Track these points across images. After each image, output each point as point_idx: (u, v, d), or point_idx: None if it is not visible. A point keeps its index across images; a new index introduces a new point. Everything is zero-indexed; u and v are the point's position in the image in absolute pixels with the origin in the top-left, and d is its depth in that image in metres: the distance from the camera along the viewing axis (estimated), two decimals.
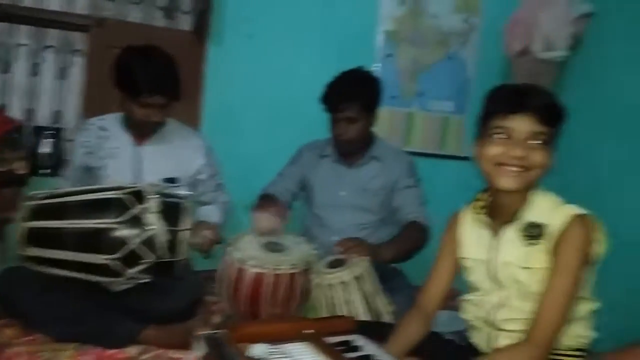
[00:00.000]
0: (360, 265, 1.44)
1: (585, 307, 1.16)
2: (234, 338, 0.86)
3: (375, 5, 2.28)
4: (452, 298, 1.38)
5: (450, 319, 1.46)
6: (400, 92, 2.35)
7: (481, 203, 1.24)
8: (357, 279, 1.40)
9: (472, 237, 1.25)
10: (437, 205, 1.75)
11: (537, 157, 1.10)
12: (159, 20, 2.26)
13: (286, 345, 0.91)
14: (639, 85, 1.82)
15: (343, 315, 1.30)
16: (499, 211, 1.20)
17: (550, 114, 1.10)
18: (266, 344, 0.86)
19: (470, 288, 1.29)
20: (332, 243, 1.84)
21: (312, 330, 0.97)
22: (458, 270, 1.30)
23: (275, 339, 0.94)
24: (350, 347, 0.98)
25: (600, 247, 1.13)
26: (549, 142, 1.11)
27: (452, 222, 1.32)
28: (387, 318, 1.46)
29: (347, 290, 1.40)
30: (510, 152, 1.09)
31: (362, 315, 1.41)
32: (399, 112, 2.36)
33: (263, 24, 2.22)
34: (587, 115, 2.06)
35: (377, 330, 1.26)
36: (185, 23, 2.25)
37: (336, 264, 1.48)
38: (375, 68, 2.30)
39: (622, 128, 1.90)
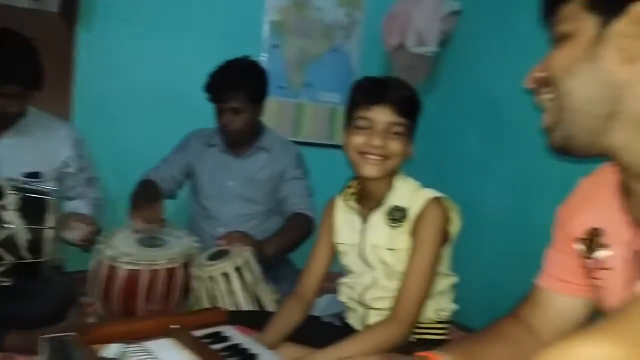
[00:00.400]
0: (242, 255, 1.44)
1: (445, 283, 1.26)
2: (86, 340, 0.82)
3: None
4: (332, 281, 1.43)
5: (331, 302, 1.51)
6: (288, 83, 2.37)
7: (351, 190, 1.29)
8: (239, 269, 1.40)
9: (344, 223, 1.31)
10: (328, 194, 1.79)
11: (395, 146, 1.16)
12: (22, 1, 2.06)
13: (147, 342, 0.89)
14: (502, 80, 1.98)
15: (215, 307, 1.29)
16: (367, 197, 1.26)
17: (408, 107, 1.17)
18: (123, 344, 0.83)
19: (345, 272, 1.34)
20: (218, 235, 1.82)
21: (179, 326, 0.96)
22: (335, 255, 1.35)
23: (138, 338, 0.91)
24: (219, 338, 0.98)
25: (454, 226, 1.24)
26: (407, 133, 1.19)
27: (327, 209, 1.37)
28: (271, 307, 1.47)
29: (229, 282, 1.39)
30: (371, 141, 1.15)
31: (245, 305, 1.41)
32: (287, 103, 2.38)
33: (140, 8, 2.11)
34: (457, 107, 2.22)
35: (258, 320, 1.27)
36: (52, 4, 2.07)
37: (218, 256, 1.46)
38: (263, 58, 2.29)
39: (487, 119, 2.06)
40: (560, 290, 0.84)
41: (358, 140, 1.17)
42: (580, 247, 0.78)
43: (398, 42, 2.12)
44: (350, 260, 1.29)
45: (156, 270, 1.37)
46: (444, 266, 1.24)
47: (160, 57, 2.14)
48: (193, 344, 0.92)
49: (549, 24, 0.72)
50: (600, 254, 0.74)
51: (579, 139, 0.67)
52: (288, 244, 1.73)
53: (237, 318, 1.18)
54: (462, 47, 2.16)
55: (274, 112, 2.36)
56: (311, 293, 1.31)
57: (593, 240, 0.76)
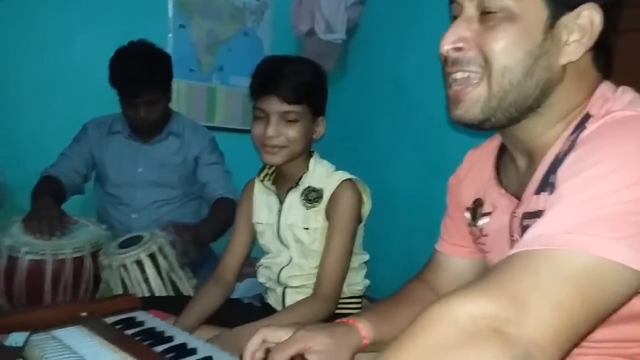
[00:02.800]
0: (156, 241, 1.40)
1: (357, 260, 1.32)
2: None
3: None
4: (254, 266, 1.43)
5: (252, 286, 1.53)
6: (198, 65, 2.32)
7: (266, 171, 1.31)
8: (152, 256, 1.37)
9: (262, 203, 1.33)
10: (245, 179, 1.79)
11: (291, 133, 1.18)
12: None
13: (55, 331, 0.85)
14: (407, 66, 2.09)
15: (126, 294, 1.26)
16: (283, 178, 1.29)
17: (299, 93, 1.17)
18: (26, 332, 0.79)
19: (263, 252, 1.36)
20: (132, 221, 1.81)
21: (86, 313, 0.93)
22: (255, 237, 1.36)
23: (44, 326, 0.87)
24: (132, 323, 0.96)
25: (366, 207, 1.30)
26: (304, 117, 1.20)
27: (245, 191, 1.38)
28: (188, 292, 1.46)
29: (143, 269, 1.36)
30: (266, 132, 1.17)
31: (160, 292, 1.38)
32: (199, 87, 2.33)
33: None
34: (366, 92, 2.31)
35: (174, 304, 1.25)
36: None
37: (130, 243, 1.41)
38: (168, 40, 2.21)
39: (394, 104, 2.17)
40: (454, 254, 0.92)
41: (256, 130, 1.20)
42: (467, 215, 0.86)
43: (307, 28, 2.15)
44: (267, 239, 1.32)
45: (62, 260, 1.30)
46: (357, 245, 1.30)
47: (58, 38, 1.99)
48: (105, 330, 0.89)
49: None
50: (482, 221, 0.81)
51: (496, 123, 0.69)
52: (220, 228, 1.70)
53: (151, 303, 1.16)
54: (368, 34, 2.24)
55: (185, 95, 2.31)
56: (231, 275, 1.31)
57: (476, 209, 0.83)
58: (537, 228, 0.54)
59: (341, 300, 1.29)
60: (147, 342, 0.87)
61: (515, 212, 0.74)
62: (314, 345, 0.75)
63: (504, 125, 0.70)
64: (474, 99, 0.68)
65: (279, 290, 1.30)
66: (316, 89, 1.25)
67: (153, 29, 1.91)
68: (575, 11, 0.65)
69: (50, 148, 1.81)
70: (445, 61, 0.71)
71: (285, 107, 1.17)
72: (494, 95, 0.67)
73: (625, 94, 0.66)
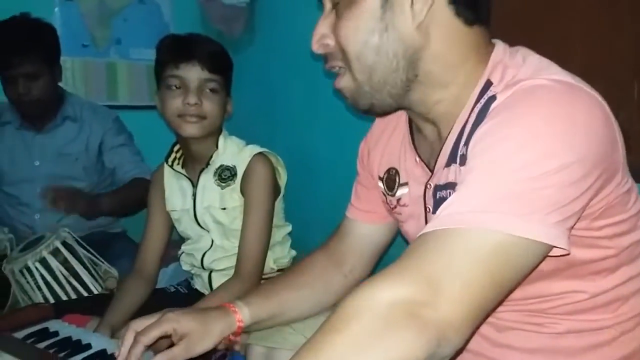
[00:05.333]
0: (58, 236, 1.29)
1: (280, 233, 1.32)
2: None
3: None
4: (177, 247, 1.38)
5: (177, 270, 1.48)
6: (92, 40, 2.13)
7: (174, 155, 1.25)
8: (55, 254, 1.26)
9: (173, 189, 1.27)
10: (155, 159, 1.69)
11: (211, 105, 1.15)
12: None
13: None
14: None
15: (37, 303, 1.18)
16: (193, 160, 1.24)
17: (218, 62, 1.15)
18: None
19: (183, 239, 1.32)
20: (36, 222, 1.66)
21: None
22: (171, 225, 1.31)
23: None
24: (45, 334, 0.90)
25: (282, 178, 1.29)
26: (221, 89, 1.17)
27: (155, 176, 1.32)
28: (108, 287, 1.38)
29: (48, 269, 1.25)
30: (187, 99, 1.12)
31: (65, 294, 1.29)
32: (95, 63, 2.14)
33: None
34: (279, 58, 2.24)
35: (90, 305, 1.19)
36: None
37: (31, 245, 1.30)
38: (55, 15, 2.00)
39: (309, 69, 2.12)
40: (363, 219, 0.92)
41: (173, 101, 1.13)
42: (381, 185, 0.86)
43: None
44: (185, 225, 1.27)
45: None
46: (278, 218, 1.29)
47: None
48: (16, 346, 0.83)
49: None
50: (400, 191, 0.81)
51: (383, 105, 0.69)
52: (127, 202, 1.60)
53: (65, 308, 1.09)
54: None
55: (81, 74, 2.12)
56: (152, 267, 1.26)
57: (391, 178, 0.83)
58: (450, 205, 0.55)
59: (269, 275, 1.28)
60: (63, 354, 0.82)
61: (428, 183, 0.74)
62: (179, 328, 0.76)
63: (394, 104, 0.70)
64: (349, 89, 0.69)
65: (205, 275, 1.28)
66: (229, 63, 1.22)
67: (36, 4, 1.72)
68: None
69: None
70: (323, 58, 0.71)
71: (206, 75, 1.13)
72: (361, 82, 0.67)
73: (528, 59, 0.66)
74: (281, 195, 1.30)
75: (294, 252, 1.38)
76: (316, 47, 0.69)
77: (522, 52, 0.68)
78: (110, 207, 1.57)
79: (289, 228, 1.36)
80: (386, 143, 0.85)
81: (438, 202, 0.72)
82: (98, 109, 1.79)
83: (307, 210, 1.90)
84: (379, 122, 0.89)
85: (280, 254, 1.32)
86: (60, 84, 1.73)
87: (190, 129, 1.14)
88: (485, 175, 0.56)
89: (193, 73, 1.12)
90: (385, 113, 0.73)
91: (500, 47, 0.70)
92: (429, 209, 0.75)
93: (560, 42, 1.19)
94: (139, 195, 1.54)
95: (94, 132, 1.73)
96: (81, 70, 2.11)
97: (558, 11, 1.22)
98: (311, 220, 1.88)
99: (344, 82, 0.69)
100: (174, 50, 1.14)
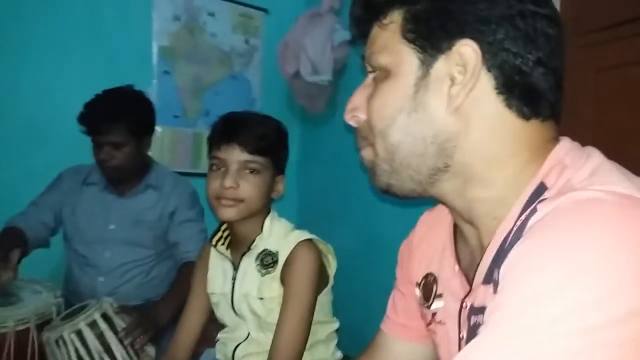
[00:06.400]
0: (99, 307, 1.25)
1: (325, 330, 1.19)
2: None
3: (148, 19, 2.14)
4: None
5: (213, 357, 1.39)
6: (183, 111, 2.25)
7: (220, 234, 1.20)
8: (92, 326, 1.21)
9: (216, 271, 1.21)
10: None
11: (249, 187, 1.09)
12: None
13: None
14: None
15: None
16: (237, 241, 1.17)
17: (262, 143, 1.10)
18: None
19: (220, 325, 1.24)
20: (99, 285, 1.66)
21: None
22: (211, 309, 1.23)
23: None
24: None
25: (332, 268, 1.18)
26: (264, 170, 1.11)
27: (201, 255, 1.27)
28: None
29: (82, 342, 1.20)
30: (223, 182, 1.07)
31: None
32: (183, 133, 2.26)
33: (12, 31, 1.91)
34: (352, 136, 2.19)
35: None
36: None
37: (75, 313, 1.26)
38: (152, 86, 2.16)
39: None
40: (399, 336, 0.79)
41: (213, 183, 1.09)
42: (418, 293, 0.72)
43: (294, 70, 2.08)
44: (222, 311, 1.19)
45: (2, 334, 1.19)
46: (323, 312, 1.17)
47: (37, 86, 1.95)
48: None
49: (362, 46, 0.63)
50: (435, 304, 0.68)
51: (403, 188, 0.61)
52: (181, 303, 1.54)
53: None
54: (357, 75, 2.14)
55: (169, 143, 2.23)
56: (184, 353, 1.19)
57: (428, 286, 0.70)
58: (466, 355, 0.43)
59: None
60: None
61: (464, 301, 0.61)
62: None
63: (417, 190, 0.60)
64: (370, 166, 0.63)
65: None
66: (278, 143, 1.17)
67: (137, 77, 1.85)
68: (450, 51, 0.55)
69: (26, 200, 1.73)
70: None
71: (246, 157, 1.08)
72: (383, 159, 0.60)
73: (590, 159, 0.52)
74: (329, 286, 1.18)
75: (339, 354, 1.24)
76: (348, 118, 0.64)
77: (589, 151, 0.54)
78: (171, 314, 1.48)
79: (336, 325, 1.23)
80: (429, 241, 0.73)
81: (472, 330, 0.58)
82: (179, 181, 1.81)
83: (363, 304, 1.74)
84: (425, 217, 0.78)
85: (322, 355, 1.19)
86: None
87: (226, 213, 1.09)
88: (511, 319, 0.42)
89: (232, 155, 1.08)
90: (406, 197, 0.62)
91: (564, 144, 0.56)
92: (463, 337, 0.60)
93: None
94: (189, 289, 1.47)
95: (170, 203, 1.74)
96: (169, 139, 2.23)
97: None
98: (366, 317, 1.72)
99: (366, 154, 0.63)
100: (219, 131, 1.12)
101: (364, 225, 2.05)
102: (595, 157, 0.52)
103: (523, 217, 0.53)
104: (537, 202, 0.51)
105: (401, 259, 0.79)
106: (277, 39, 2.25)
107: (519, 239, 0.48)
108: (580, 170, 0.51)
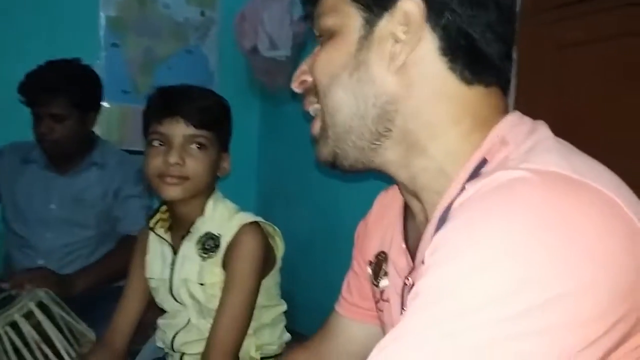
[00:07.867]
0: (34, 297, 1.17)
1: (271, 314, 1.14)
2: None
3: None
4: None
5: (155, 350, 1.31)
6: (133, 86, 2.13)
7: (159, 216, 1.12)
8: (27, 317, 1.12)
9: (155, 255, 1.13)
10: None
11: (194, 162, 1.02)
12: None
13: None
14: None
15: None
16: (178, 224, 1.10)
17: (207, 117, 1.03)
18: None
19: (161, 312, 1.17)
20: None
21: None
22: (150, 294, 1.16)
23: None
24: None
25: (278, 251, 1.12)
26: (210, 146, 1.04)
27: (140, 237, 1.19)
28: (84, 352, 1.24)
29: (19, 334, 1.11)
30: (167, 159, 1.00)
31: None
32: (133, 109, 2.13)
33: None
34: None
35: None
36: None
37: (7, 302, 1.17)
38: (99, 60, 2.03)
39: None
40: (353, 316, 0.76)
41: (154, 160, 1.01)
42: (369, 271, 0.70)
43: (251, 44, 1.98)
44: (161, 297, 1.12)
45: None
46: (269, 296, 1.12)
47: None
48: None
49: (309, 12, 0.60)
50: (383, 282, 0.66)
51: (347, 156, 0.58)
52: (109, 274, 1.48)
53: None
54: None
55: (118, 120, 2.11)
56: (121, 341, 1.13)
57: (378, 264, 0.68)
58: (386, 345, 0.40)
59: None
60: None
61: (407, 279, 0.59)
62: None
63: (362, 160, 0.57)
64: (317, 137, 0.60)
65: (176, 357, 1.10)
66: (222, 118, 1.10)
67: (83, 49, 1.73)
68: (394, 9, 0.53)
69: None
70: None
71: (192, 131, 1.01)
72: (326, 124, 0.58)
73: (532, 135, 0.49)
74: (276, 268, 1.12)
75: (288, 336, 1.19)
76: (295, 85, 0.62)
77: (534, 126, 0.51)
78: (88, 284, 1.45)
79: (284, 307, 1.18)
80: (383, 220, 0.70)
81: None
82: (125, 158, 1.73)
83: (323, 284, 1.70)
84: (381, 197, 0.75)
85: (267, 339, 1.13)
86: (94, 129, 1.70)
87: (170, 191, 1.01)
88: (428, 307, 0.40)
89: (176, 129, 1.00)
90: (352, 168, 0.59)
91: (512, 117, 0.53)
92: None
93: None
94: (123, 261, 1.35)
95: (113, 179, 1.66)
96: (118, 116, 2.11)
97: None
98: (326, 297, 1.67)
99: (313, 128, 0.60)
100: (160, 104, 1.03)
101: (324, 204, 2.00)
102: (539, 133, 0.50)
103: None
104: (467, 180, 0.49)
105: (357, 238, 0.78)
106: (235, 11, 2.14)
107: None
108: (520, 146, 0.48)
